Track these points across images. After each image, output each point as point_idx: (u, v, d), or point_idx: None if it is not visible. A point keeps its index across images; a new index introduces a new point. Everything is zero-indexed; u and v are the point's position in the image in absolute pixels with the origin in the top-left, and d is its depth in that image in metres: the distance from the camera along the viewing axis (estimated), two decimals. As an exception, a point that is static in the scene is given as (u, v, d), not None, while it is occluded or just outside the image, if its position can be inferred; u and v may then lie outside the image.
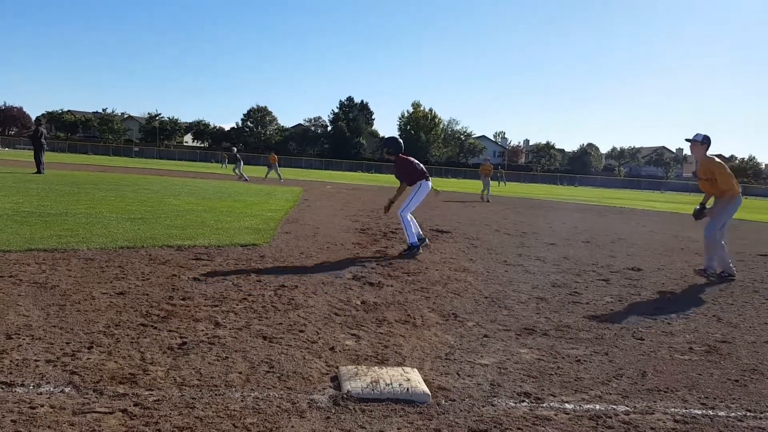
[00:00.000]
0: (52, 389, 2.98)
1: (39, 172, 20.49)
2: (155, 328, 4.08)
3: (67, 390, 2.99)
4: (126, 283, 5.30)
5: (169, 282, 5.45)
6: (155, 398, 2.95)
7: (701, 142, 7.55)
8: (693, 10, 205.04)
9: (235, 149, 36.19)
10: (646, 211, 24.85)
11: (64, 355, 3.46)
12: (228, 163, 32.35)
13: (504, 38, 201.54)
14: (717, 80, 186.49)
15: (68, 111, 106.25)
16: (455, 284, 6.40)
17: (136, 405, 2.86)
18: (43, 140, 21.11)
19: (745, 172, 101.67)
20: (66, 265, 5.88)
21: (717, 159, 7.64)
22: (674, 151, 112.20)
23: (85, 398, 2.91)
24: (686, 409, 3.29)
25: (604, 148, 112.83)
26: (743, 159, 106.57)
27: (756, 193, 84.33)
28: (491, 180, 25.83)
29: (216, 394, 3.03)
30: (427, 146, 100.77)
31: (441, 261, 7.88)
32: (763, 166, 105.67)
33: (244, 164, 32.66)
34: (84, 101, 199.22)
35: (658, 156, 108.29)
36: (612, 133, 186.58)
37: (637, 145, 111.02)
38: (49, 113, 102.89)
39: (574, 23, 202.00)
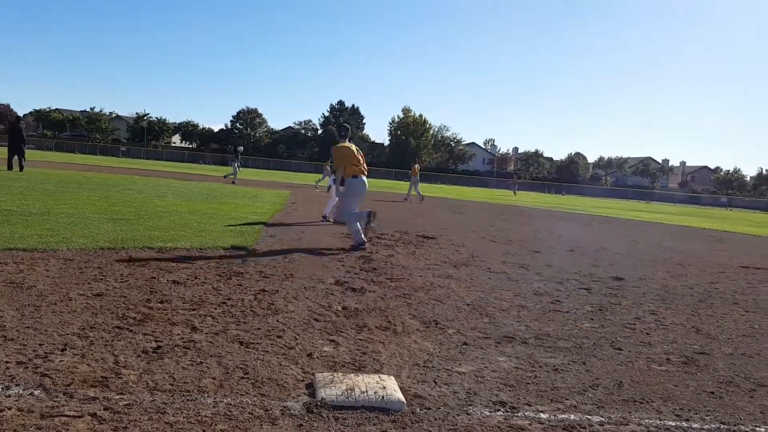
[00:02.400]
0: (21, 391, 2.93)
1: (9, 168, 20.36)
2: (131, 331, 4.03)
3: (36, 392, 2.94)
4: (104, 284, 5.25)
5: (147, 284, 5.40)
6: (126, 402, 2.91)
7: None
8: (681, 24, 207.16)
9: (240, 148, 33.75)
10: (631, 221, 25.03)
11: (36, 356, 3.41)
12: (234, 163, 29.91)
13: (495, 46, 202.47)
14: (704, 93, 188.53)
15: (56, 109, 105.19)
16: (438, 291, 6.40)
17: (105, 409, 2.82)
18: (17, 138, 20.84)
19: (731, 184, 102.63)
20: (44, 265, 5.81)
21: (339, 144, 9.18)
22: (660, 162, 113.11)
23: (54, 401, 2.86)
24: (660, 420, 3.29)
25: (591, 158, 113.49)
26: (728, 171, 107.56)
27: (740, 204, 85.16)
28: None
29: (188, 400, 3.00)
30: (417, 151, 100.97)
31: (425, 267, 7.87)
32: (748, 179, 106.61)
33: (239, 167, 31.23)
34: (72, 100, 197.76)
35: (644, 166, 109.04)
36: (599, 142, 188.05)
37: (623, 155, 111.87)
38: (36, 111, 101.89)
39: (563, 33, 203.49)
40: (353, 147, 9.35)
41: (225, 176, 30.33)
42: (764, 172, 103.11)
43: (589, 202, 56.06)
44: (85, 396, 2.94)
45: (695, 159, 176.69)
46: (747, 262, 11.55)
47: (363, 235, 9.10)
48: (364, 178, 9.33)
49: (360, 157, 9.30)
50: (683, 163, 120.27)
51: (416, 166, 27.13)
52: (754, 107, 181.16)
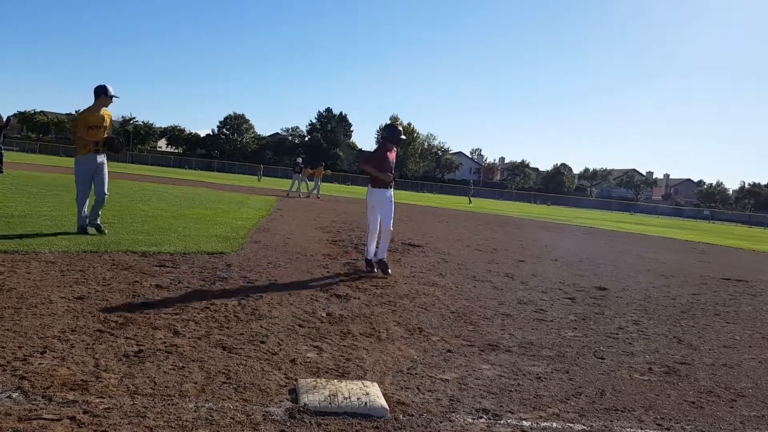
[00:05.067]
0: (-2, 394, 2.89)
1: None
2: (112, 334, 3.99)
3: (14, 395, 2.90)
4: (86, 287, 5.19)
5: (130, 288, 5.35)
6: (106, 406, 2.87)
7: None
8: (666, 38, 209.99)
9: (300, 159, 31.46)
10: (615, 232, 25.21)
11: (15, 359, 3.37)
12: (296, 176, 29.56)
13: (483, 56, 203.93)
14: (688, 106, 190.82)
15: (41, 111, 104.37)
16: (423, 298, 6.40)
17: (85, 412, 2.78)
18: None
19: (713, 197, 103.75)
20: (26, 267, 5.74)
21: (84, 112, 8.28)
22: (644, 174, 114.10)
23: (33, 404, 2.82)
24: (642, 429, 3.31)
25: (576, 169, 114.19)
26: (711, 184, 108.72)
27: (723, 217, 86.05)
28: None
29: (169, 404, 2.97)
30: (404, 160, 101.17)
31: (410, 275, 7.87)
32: (730, 192, 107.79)
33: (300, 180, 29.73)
34: (57, 102, 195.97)
35: (629, 178, 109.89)
36: (585, 154, 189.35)
37: (608, 167, 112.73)
38: (21, 113, 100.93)
39: (549, 45, 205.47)
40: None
41: (308, 195, 29.57)
42: (746, 185, 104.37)
43: (574, 212, 56.41)
44: (64, 399, 2.91)
45: (679, 172, 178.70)
46: (729, 274, 11.67)
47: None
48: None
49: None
50: (667, 176, 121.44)
51: (320, 168, 30.75)
52: (737, 121, 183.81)
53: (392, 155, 7.82)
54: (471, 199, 52.73)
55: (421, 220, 20.39)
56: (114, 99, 8.40)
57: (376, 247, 7.85)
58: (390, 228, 7.79)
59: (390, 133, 8.01)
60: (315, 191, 29.90)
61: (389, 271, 7.66)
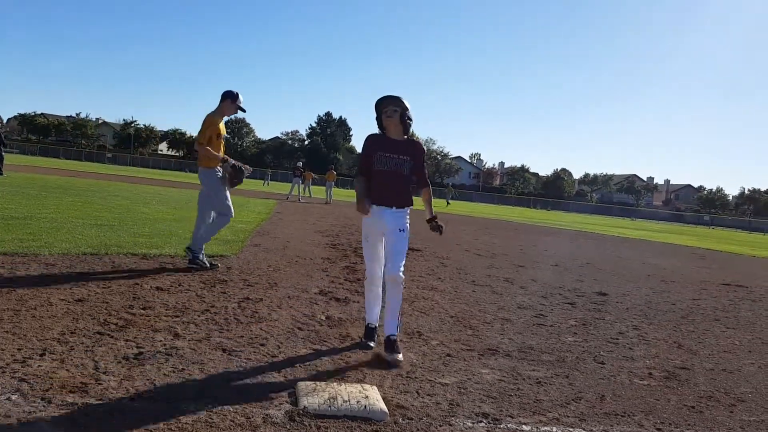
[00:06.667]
0: (-2, 396, 2.89)
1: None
2: (112, 336, 3.99)
3: (13, 398, 2.90)
4: (86, 290, 5.19)
5: (130, 290, 5.35)
6: (105, 409, 2.87)
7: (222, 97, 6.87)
8: (667, 43, 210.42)
9: (300, 163, 31.25)
10: (615, 237, 25.22)
11: (14, 361, 3.36)
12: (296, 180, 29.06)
13: (482, 61, 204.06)
14: (688, 112, 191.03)
15: (41, 114, 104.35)
16: (422, 302, 6.40)
17: (85, 415, 2.78)
18: None
19: (714, 203, 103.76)
20: (25, 269, 5.73)
21: (211, 115, 6.78)
22: (645, 179, 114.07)
23: (32, 407, 2.82)
24: (642, 433, 3.31)
25: (577, 174, 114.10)
26: (711, 190, 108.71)
27: (723, 223, 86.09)
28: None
29: (169, 406, 2.96)
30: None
31: (409, 279, 7.86)
32: (730, 198, 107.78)
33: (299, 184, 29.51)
34: (58, 105, 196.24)
35: (630, 184, 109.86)
36: (585, 159, 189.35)
37: (609, 172, 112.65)
38: (21, 115, 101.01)
39: (549, 49, 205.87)
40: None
41: (327, 201, 29.56)
42: (746, 191, 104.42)
43: (574, 218, 56.37)
44: (63, 401, 2.90)
45: (679, 177, 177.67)
46: (729, 279, 11.66)
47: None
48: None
49: None
50: (667, 182, 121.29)
51: (333, 172, 31.81)
52: (737, 127, 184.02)
53: (393, 150, 4.67)
54: (449, 201, 52.38)
55: (419, 224, 20.39)
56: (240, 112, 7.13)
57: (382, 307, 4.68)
58: (398, 275, 4.44)
59: (376, 112, 4.71)
60: (326, 197, 30.55)
61: (399, 356, 4.18)
